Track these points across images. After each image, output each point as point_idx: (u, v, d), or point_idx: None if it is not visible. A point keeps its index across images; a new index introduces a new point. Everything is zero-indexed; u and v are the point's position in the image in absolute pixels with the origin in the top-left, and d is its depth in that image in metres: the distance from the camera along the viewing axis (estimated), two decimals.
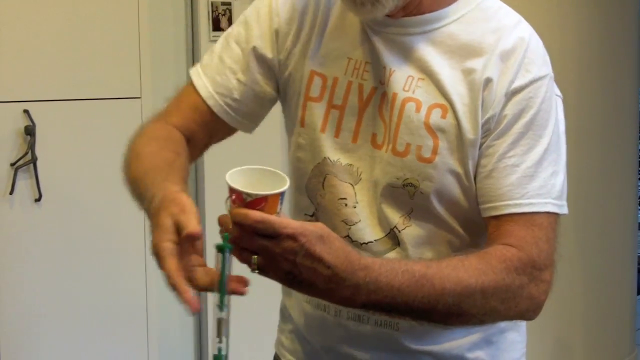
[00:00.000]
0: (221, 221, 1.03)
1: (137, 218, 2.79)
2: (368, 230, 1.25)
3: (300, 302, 1.36)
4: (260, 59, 1.31)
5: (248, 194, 1.00)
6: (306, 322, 1.35)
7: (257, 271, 1.02)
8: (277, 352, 1.46)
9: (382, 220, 1.25)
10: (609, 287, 3.66)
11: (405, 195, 1.22)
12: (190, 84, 1.34)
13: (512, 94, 1.18)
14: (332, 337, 1.31)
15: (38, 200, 2.60)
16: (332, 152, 1.26)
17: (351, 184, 1.26)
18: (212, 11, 2.72)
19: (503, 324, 1.31)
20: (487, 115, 1.18)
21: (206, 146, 1.37)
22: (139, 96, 2.80)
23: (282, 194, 1.02)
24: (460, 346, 1.29)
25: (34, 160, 2.58)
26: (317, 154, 1.28)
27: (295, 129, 1.31)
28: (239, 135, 1.40)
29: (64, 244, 2.68)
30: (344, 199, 1.26)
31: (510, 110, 1.18)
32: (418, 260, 1.18)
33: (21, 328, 2.62)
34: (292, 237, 0.99)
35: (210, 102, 1.31)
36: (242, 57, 1.31)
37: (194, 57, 3.00)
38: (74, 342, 2.71)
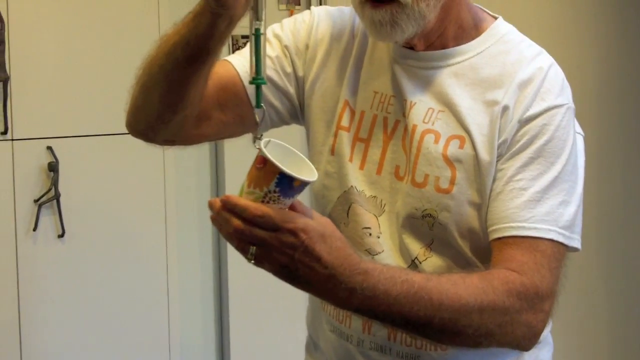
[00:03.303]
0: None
1: (160, 255, 2.80)
2: (390, 261, 1.24)
3: (325, 331, 1.35)
4: (289, 59, 1.31)
5: (285, 173, 0.99)
6: (334, 351, 1.34)
7: (253, 262, 1.00)
8: None
9: (404, 251, 1.24)
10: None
11: (425, 226, 1.21)
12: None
13: (525, 121, 1.18)
14: None
15: (61, 236, 2.61)
16: (357, 182, 1.26)
17: (375, 215, 1.25)
18: (232, 44, 2.74)
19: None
20: (501, 140, 1.18)
21: (209, 117, 1.30)
22: None
23: (306, 183, 1.01)
24: None
25: (57, 197, 2.59)
26: (344, 182, 1.27)
27: (324, 157, 1.30)
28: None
29: (87, 280, 2.68)
30: (368, 228, 1.26)
31: (522, 136, 1.17)
32: (419, 272, 1.15)
33: None
34: (294, 232, 0.98)
35: (238, 68, 1.28)
36: (275, 48, 1.31)
37: None
38: None
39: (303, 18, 1.34)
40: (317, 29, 1.32)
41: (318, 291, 1.04)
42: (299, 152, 1.07)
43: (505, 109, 1.18)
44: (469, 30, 1.26)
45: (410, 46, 1.25)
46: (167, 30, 1.16)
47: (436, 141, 1.20)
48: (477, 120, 1.19)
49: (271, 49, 1.30)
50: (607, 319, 3.50)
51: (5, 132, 2.52)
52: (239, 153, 2.93)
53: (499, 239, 1.16)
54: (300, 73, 1.32)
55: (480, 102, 1.20)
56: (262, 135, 1.24)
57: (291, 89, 1.32)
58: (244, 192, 1.03)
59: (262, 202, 1.01)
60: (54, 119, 2.61)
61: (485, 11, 1.30)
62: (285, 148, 1.06)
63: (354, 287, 1.02)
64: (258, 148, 1.02)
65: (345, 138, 1.27)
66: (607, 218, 3.38)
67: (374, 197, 1.25)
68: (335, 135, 1.28)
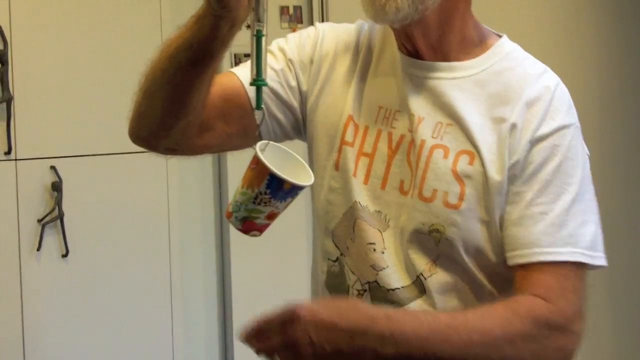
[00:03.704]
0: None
1: (163, 275, 2.80)
2: (395, 276, 1.23)
3: None
4: (294, 72, 1.31)
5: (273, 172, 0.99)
6: None
7: None
8: None
9: (408, 267, 1.23)
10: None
11: (431, 241, 1.20)
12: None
13: (536, 141, 1.18)
14: None
15: (65, 256, 2.61)
16: (362, 197, 1.26)
17: (379, 230, 1.25)
18: (235, 63, 2.74)
19: None
20: (512, 161, 1.17)
21: (212, 127, 1.29)
22: None
23: (297, 187, 1.01)
24: None
25: (60, 216, 2.59)
26: (348, 197, 1.27)
27: (328, 172, 1.29)
28: None
29: (90, 300, 2.67)
30: (373, 243, 1.25)
31: (535, 157, 1.17)
32: (441, 312, 1.16)
33: None
34: (293, 317, 0.99)
35: (242, 79, 1.27)
36: (280, 61, 1.31)
37: None
38: None
39: (308, 33, 1.34)
40: (322, 44, 1.32)
41: (356, 354, 1.03)
42: (299, 157, 1.07)
43: (514, 127, 1.18)
44: (474, 46, 1.26)
45: (414, 55, 1.25)
46: (170, 34, 1.16)
47: (445, 156, 1.20)
48: (486, 138, 1.19)
49: (276, 62, 1.30)
50: (610, 318, 3.49)
51: (8, 152, 2.53)
52: (242, 171, 2.92)
53: (522, 265, 1.16)
54: (304, 87, 1.31)
55: (487, 118, 1.20)
56: (260, 136, 1.24)
57: (295, 103, 1.31)
58: (238, 193, 1.03)
59: (254, 203, 1.01)
60: (57, 138, 2.62)
61: (490, 30, 1.30)
62: (285, 152, 1.05)
63: (382, 334, 1.02)
64: (253, 148, 1.02)
65: (350, 153, 1.27)
66: (610, 220, 3.34)
67: (378, 212, 1.25)
68: (340, 150, 1.28)
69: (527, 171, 1.17)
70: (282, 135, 1.34)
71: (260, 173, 1.01)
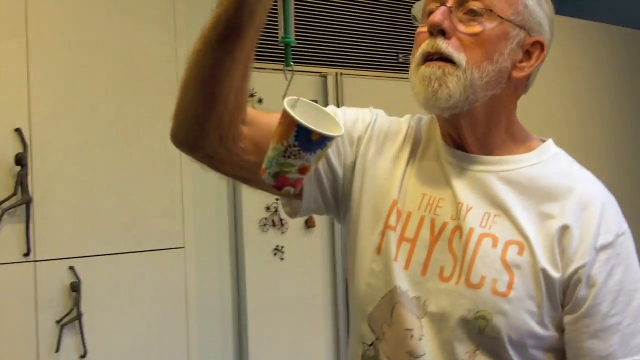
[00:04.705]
0: None
1: None
2: None
3: None
4: (344, 142, 1.31)
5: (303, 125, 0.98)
6: None
7: None
8: None
9: (447, 355, 1.21)
10: None
11: (475, 329, 1.19)
12: None
13: (600, 249, 1.18)
14: None
15: (83, 356, 2.58)
16: (402, 282, 1.25)
17: (418, 317, 1.23)
18: None
19: None
20: (576, 265, 1.17)
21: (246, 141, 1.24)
22: (182, 246, 2.81)
23: (325, 137, 1.01)
24: None
25: (79, 317, 2.58)
26: (389, 281, 1.26)
27: (369, 254, 1.29)
28: None
29: None
30: (411, 329, 1.23)
31: (601, 268, 1.18)
32: None
33: None
34: None
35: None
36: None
37: (235, 204, 3.03)
38: None
39: (363, 112, 1.36)
40: (374, 126, 1.34)
41: None
42: (329, 112, 1.05)
43: (566, 228, 1.18)
44: (519, 144, 1.28)
45: (460, 147, 1.27)
46: None
47: (494, 245, 1.20)
48: (533, 230, 1.19)
49: None
50: None
51: (27, 254, 2.53)
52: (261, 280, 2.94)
53: None
54: (350, 159, 1.32)
55: (534, 213, 1.21)
56: (301, 194, 1.23)
57: (340, 171, 1.32)
58: (270, 149, 1.03)
59: (283, 156, 1.00)
60: (75, 238, 2.63)
61: (534, 135, 1.33)
62: (315, 107, 1.04)
63: None
64: (283, 103, 1.01)
65: (392, 237, 1.27)
66: None
67: (417, 297, 1.24)
68: (383, 234, 1.28)
69: (597, 280, 1.17)
70: (322, 203, 1.33)
71: (288, 126, 1.00)
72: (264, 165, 1.08)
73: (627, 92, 4.81)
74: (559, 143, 1.31)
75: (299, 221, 3.24)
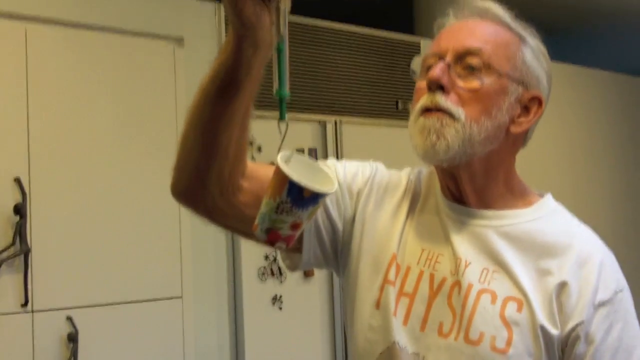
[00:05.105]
0: None
1: None
2: None
3: None
4: (343, 195, 1.30)
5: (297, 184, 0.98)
6: None
7: None
8: None
9: None
10: None
11: None
12: None
13: (599, 306, 1.18)
14: None
15: None
16: (401, 337, 1.24)
17: None
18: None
19: None
20: (574, 322, 1.17)
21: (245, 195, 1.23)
22: (180, 295, 2.80)
23: (317, 195, 1.00)
24: None
25: None
26: (388, 337, 1.25)
27: (367, 309, 1.28)
28: None
29: None
30: None
31: (600, 325, 1.17)
32: None
33: None
34: None
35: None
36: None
37: (234, 253, 3.01)
38: None
39: (363, 166, 1.36)
40: (374, 180, 1.34)
41: None
42: (323, 167, 1.05)
43: (564, 285, 1.18)
44: (517, 198, 1.28)
45: (458, 200, 1.27)
46: None
47: (493, 301, 1.19)
48: (532, 287, 1.19)
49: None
50: None
51: (25, 304, 2.52)
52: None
53: None
54: (350, 213, 1.32)
55: (532, 269, 1.20)
56: (301, 242, 1.22)
57: (339, 225, 1.31)
58: (262, 204, 1.02)
59: (276, 212, 1.00)
60: (73, 289, 2.62)
61: (532, 190, 1.32)
62: (309, 163, 1.04)
63: None
64: (276, 158, 1.01)
65: (391, 292, 1.26)
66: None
67: (417, 354, 1.22)
68: (382, 289, 1.27)
69: (595, 337, 1.17)
70: (322, 256, 1.32)
71: (281, 181, 1.00)
72: (256, 221, 1.08)
73: (622, 138, 4.83)
74: (551, 191, 1.31)
75: None
